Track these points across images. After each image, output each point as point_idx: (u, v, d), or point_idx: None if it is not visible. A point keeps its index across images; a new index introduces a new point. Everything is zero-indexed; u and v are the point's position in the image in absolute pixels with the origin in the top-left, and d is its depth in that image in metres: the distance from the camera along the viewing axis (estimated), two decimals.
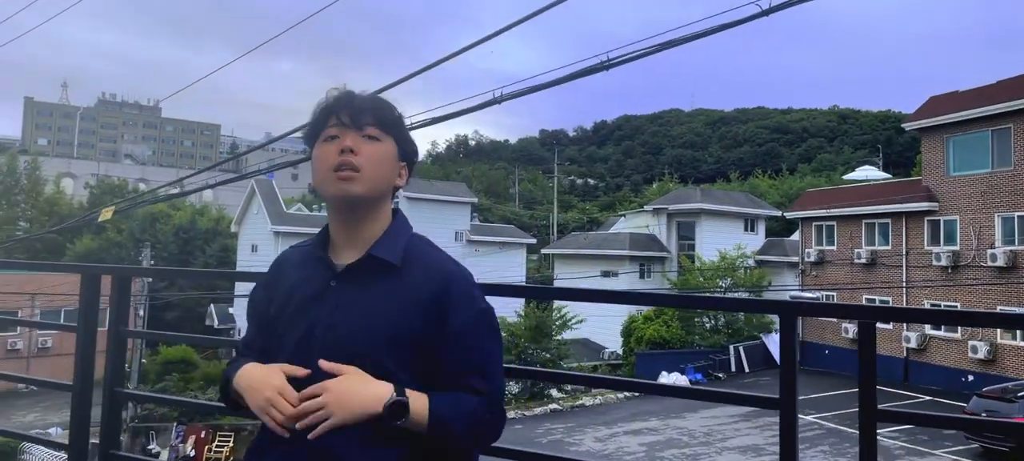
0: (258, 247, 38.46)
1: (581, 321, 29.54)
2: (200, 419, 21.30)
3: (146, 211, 46.33)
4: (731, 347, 29.26)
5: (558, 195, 73.97)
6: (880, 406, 1.76)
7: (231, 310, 38.68)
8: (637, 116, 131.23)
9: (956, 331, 24.45)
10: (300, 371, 1.45)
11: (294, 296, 1.56)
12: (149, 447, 21.34)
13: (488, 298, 1.61)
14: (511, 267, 41.27)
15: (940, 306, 23.61)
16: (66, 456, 2.61)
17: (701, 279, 32.59)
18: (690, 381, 27.19)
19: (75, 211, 53.75)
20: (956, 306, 24.01)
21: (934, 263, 25.14)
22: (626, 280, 36.05)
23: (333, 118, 1.55)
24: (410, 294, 1.49)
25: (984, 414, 16.11)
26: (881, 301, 26.34)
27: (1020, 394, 16.46)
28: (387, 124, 1.57)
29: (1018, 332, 22.76)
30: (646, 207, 42.93)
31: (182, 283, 36.97)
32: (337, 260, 1.57)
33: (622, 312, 31.03)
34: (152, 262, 29.36)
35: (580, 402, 24.38)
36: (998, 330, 22.79)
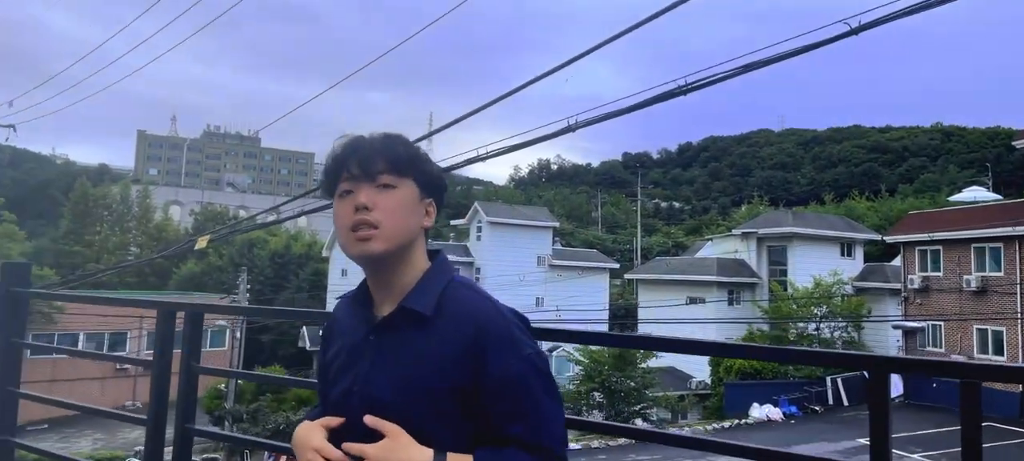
0: (347, 271, 39.62)
1: None
2: None
3: (244, 237, 48.70)
4: (828, 379, 27.82)
5: (642, 219, 72.95)
6: None
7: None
8: (724, 137, 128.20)
9: None
10: (335, 421, 1.45)
11: (343, 348, 1.54)
12: None
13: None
14: (594, 293, 40.75)
15: None
16: None
17: (794, 307, 31.22)
18: (784, 414, 26.01)
19: (181, 237, 57.06)
20: None
21: None
22: (714, 307, 34.93)
23: (345, 171, 1.49)
24: (446, 345, 1.40)
25: None
26: (994, 332, 24.48)
27: None
28: (401, 166, 1.48)
29: None
30: (734, 231, 41.59)
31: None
32: (379, 312, 1.52)
33: (711, 338, 30.05)
34: (248, 287, 30.70)
35: (667, 431, 23.73)
36: None
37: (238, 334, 31.52)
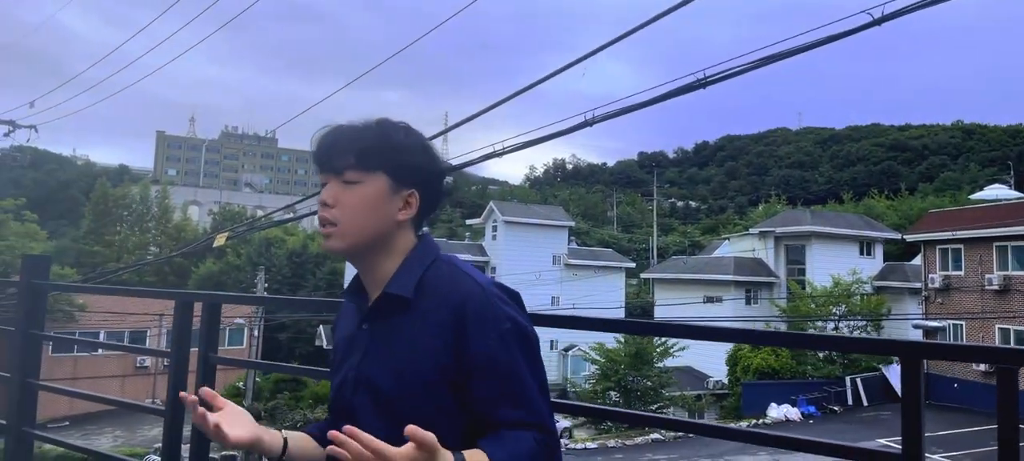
0: None
1: (683, 348, 28.60)
2: None
3: (262, 236, 49.04)
4: (847, 379, 27.52)
5: (658, 218, 72.60)
6: None
7: None
8: (740, 136, 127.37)
9: None
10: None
11: (343, 339, 1.55)
12: None
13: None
14: (609, 292, 40.60)
15: None
16: None
17: (812, 306, 30.90)
18: (803, 414, 25.76)
19: (199, 236, 57.59)
20: None
21: None
22: (731, 306, 34.69)
23: (316, 165, 1.48)
24: (428, 326, 1.37)
25: None
26: (1016, 332, 24.08)
27: None
28: (369, 160, 1.43)
29: None
30: (752, 230, 41.27)
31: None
32: (370, 301, 1.51)
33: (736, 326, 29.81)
34: (266, 284, 30.92)
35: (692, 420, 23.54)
36: None
37: (256, 332, 31.78)
